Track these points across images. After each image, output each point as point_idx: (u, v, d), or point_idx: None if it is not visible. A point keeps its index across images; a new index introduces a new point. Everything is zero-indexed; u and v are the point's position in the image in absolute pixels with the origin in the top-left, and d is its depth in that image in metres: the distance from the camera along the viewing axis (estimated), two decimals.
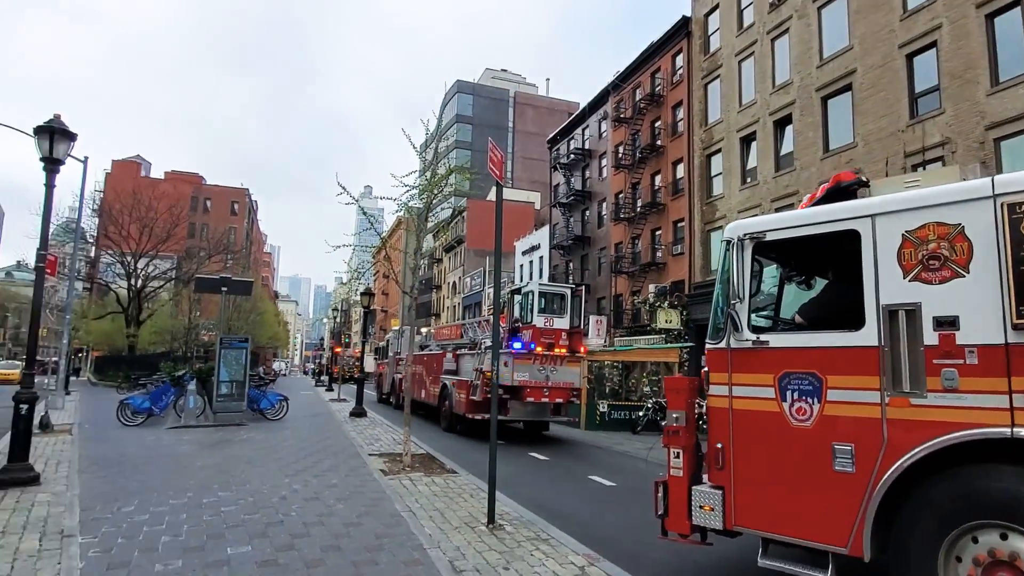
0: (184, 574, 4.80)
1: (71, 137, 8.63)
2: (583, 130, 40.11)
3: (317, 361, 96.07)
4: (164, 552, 5.26)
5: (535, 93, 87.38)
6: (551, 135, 47.26)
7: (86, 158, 20.89)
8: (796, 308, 5.17)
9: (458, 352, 16.98)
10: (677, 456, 4.97)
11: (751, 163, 25.16)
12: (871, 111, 19.67)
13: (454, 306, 67.84)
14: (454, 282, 68.36)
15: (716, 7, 27.60)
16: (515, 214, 62.73)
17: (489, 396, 13.40)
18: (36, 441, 12.13)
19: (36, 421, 15.41)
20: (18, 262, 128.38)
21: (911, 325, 3.94)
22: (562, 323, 14.11)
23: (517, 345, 13.58)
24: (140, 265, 44.21)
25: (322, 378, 51.06)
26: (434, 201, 10.90)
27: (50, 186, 8.54)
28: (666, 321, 26.82)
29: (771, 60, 24.20)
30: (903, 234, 4.05)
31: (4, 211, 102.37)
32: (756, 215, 24.15)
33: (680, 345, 22.10)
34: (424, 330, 25.32)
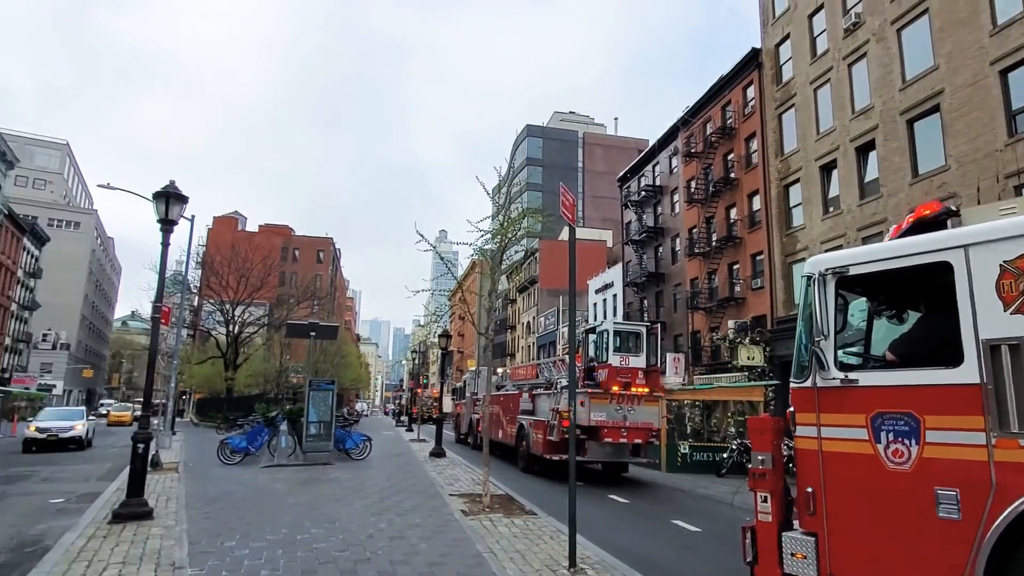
0: None
1: (183, 200, 9.62)
2: (653, 167, 39.99)
3: (397, 402, 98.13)
4: None
5: (603, 133, 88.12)
6: (621, 173, 47.37)
7: (192, 217, 22.98)
8: (887, 344, 4.95)
9: (534, 392, 17.02)
10: (765, 500, 4.81)
11: (833, 192, 24.20)
12: (963, 132, 18.58)
13: (528, 346, 67.93)
14: (528, 322, 68.64)
15: (787, 37, 27.21)
16: (587, 253, 62.77)
17: (567, 436, 13.35)
18: (147, 478, 13.13)
19: (173, 456, 16.72)
20: (132, 312, 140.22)
21: (1016, 361, 3.71)
22: (638, 361, 13.91)
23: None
24: (237, 312, 47.36)
25: (402, 418, 52.13)
26: (508, 244, 11.18)
27: (165, 244, 9.51)
28: (748, 358, 25.79)
29: (848, 86, 23.45)
30: (1001, 264, 3.86)
31: (122, 266, 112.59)
32: (841, 245, 23.13)
33: (764, 383, 21.14)
34: (500, 370, 25.54)
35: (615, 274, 45.41)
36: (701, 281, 32.45)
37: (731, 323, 28.54)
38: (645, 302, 39.81)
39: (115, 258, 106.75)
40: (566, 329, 50.79)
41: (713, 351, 30.41)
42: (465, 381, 27.50)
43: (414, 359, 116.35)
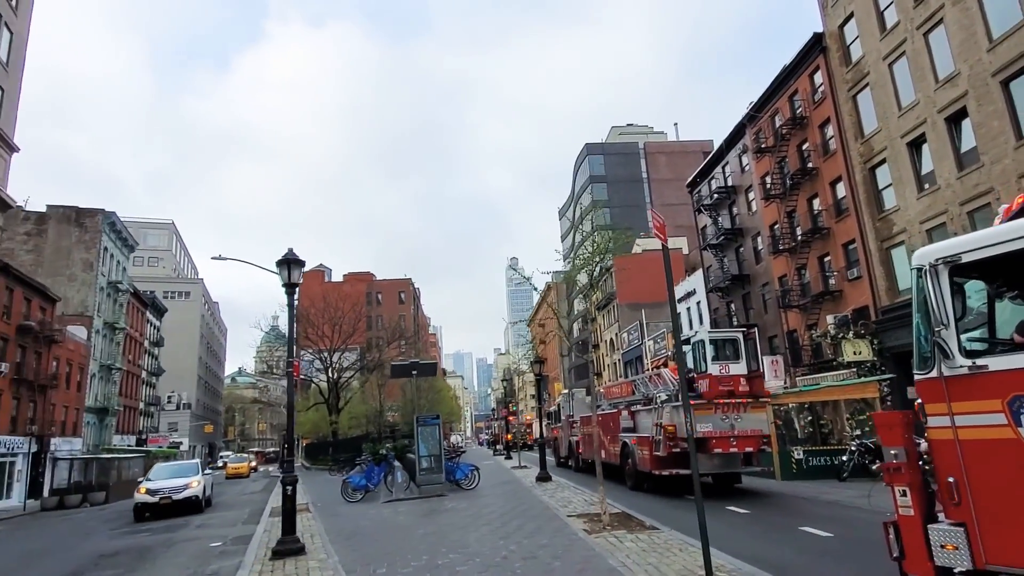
0: None
1: (301, 264, 10.65)
2: (723, 167, 39.18)
3: (490, 431, 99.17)
4: None
5: (664, 140, 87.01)
6: (689, 178, 46.64)
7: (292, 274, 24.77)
8: (1013, 326, 4.87)
9: (633, 409, 17.04)
10: (904, 494, 4.81)
11: (925, 167, 22.89)
12: None
13: (614, 363, 67.13)
14: (611, 339, 67.96)
15: (851, 16, 26.28)
16: (663, 264, 61.74)
17: (674, 451, 13.33)
18: (278, 520, 14.22)
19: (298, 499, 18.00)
20: (239, 368, 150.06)
21: None
22: (738, 368, 13.71)
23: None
24: (334, 359, 49.98)
25: (498, 447, 52.73)
26: (596, 266, 11.50)
27: (291, 305, 10.55)
28: (855, 353, 24.49)
29: (927, 55, 22.29)
30: None
31: (227, 327, 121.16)
32: (944, 223, 21.79)
33: (878, 378, 20.03)
34: (596, 390, 25.56)
35: (696, 281, 44.45)
36: (791, 278, 31.25)
37: (830, 318, 27.27)
38: (732, 306, 38.67)
39: (220, 320, 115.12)
40: (651, 342, 49.82)
41: (814, 350, 29.08)
42: (559, 405, 27.67)
43: (504, 386, 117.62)
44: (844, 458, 16.37)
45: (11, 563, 12.73)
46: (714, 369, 13.56)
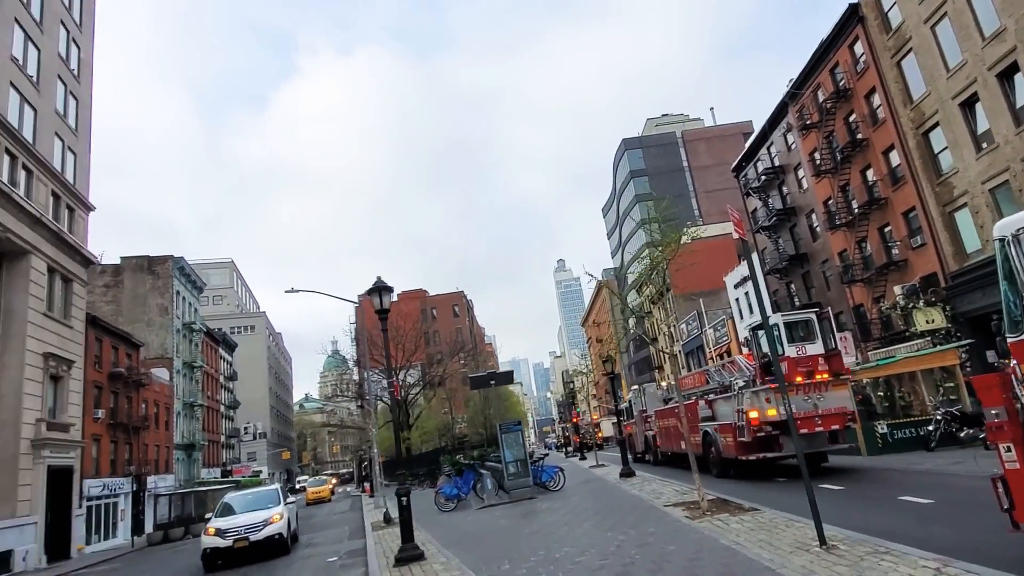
0: None
1: (390, 290, 11.55)
2: (768, 149, 38.76)
3: (558, 434, 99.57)
4: None
5: (702, 126, 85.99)
6: (734, 163, 46.19)
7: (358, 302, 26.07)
8: None
9: (710, 398, 17.32)
10: (1008, 450, 5.19)
11: (981, 127, 22.32)
12: None
13: (675, 355, 66.54)
14: (669, 331, 67.45)
15: None
16: (717, 250, 60.80)
17: (758, 435, 13.64)
18: (386, 531, 15.15)
19: (380, 516, 19.02)
20: (306, 395, 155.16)
21: None
22: (815, 348, 13.91)
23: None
24: (400, 376, 51.58)
25: (569, 449, 53.15)
26: (661, 263, 11.94)
27: (385, 330, 11.43)
28: (927, 322, 23.97)
29: (971, 14, 21.80)
30: None
31: (291, 356, 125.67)
32: (1007, 180, 21.20)
33: (955, 345, 19.67)
34: (664, 383, 25.81)
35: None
36: (851, 252, 30.71)
37: (897, 289, 26.73)
38: (792, 286, 38.11)
39: (285, 349, 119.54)
40: (711, 331, 49.40)
41: (883, 322, 28.49)
42: (630, 401, 27.98)
43: (569, 387, 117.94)
44: (930, 428, 16.24)
45: None
46: (790, 351, 13.80)
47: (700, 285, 59.36)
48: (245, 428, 79.56)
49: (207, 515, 34.56)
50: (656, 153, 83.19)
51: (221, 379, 65.91)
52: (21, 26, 27.70)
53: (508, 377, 18.83)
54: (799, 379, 13.56)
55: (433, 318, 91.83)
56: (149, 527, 38.48)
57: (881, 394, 20.73)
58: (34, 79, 28.64)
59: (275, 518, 14.60)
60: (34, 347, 26.56)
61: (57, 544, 26.93)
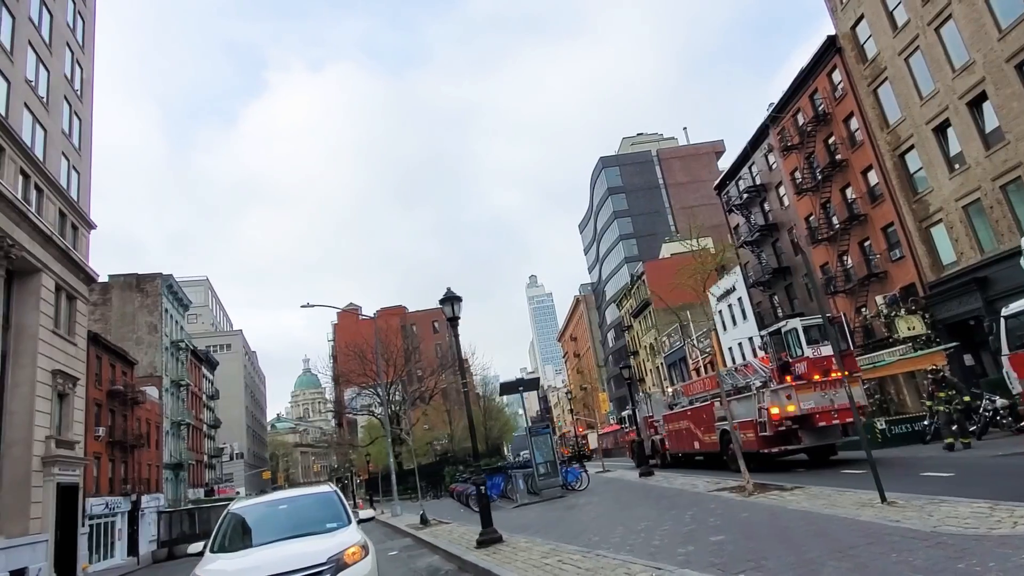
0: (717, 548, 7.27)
1: (459, 299, 12.61)
2: (750, 168, 41.03)
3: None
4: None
5: (676, 145, 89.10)
6: (716, 181, 48.49)
7: (376, 314, 26.83)
8: None
9: (725, 400, 18.69)
10: None
11: (953, 149, 24.60)
12: None
13: (656, 368, 68.37)
14: (650, 344, 69.31)
15: (861, 18, 28.25)
16: (696, 264, 63.38)
17: (780, 429, 15.03)
18: (435, 530, 15.97)
19: (417, 519, 19.77)
20: (278, 415, 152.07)
21: None
22: (828, 349, 15.41)
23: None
24: (391, 392, 51.98)
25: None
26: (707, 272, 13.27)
27: (456, 335, 12.47)
28: (908, 328, 26.00)
29: (941, 47, 24.14)
30: None
31: (268, 376, 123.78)
32: (979, 199, 23.40)
33: (944, 347, 21.59)
34: (669, 389, 27.19)
35: (734, 278, 45.99)
36: (833, 265, 32.85)
37: (879, 299, 28.81)
38: (775, 299, 40.18)
39: (259, 369, 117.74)
40: (695, 342, 50.52)
41: (865, 330, 30.54)
42: (634, 408, 29.22)
43: (542, 404, 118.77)
44: (925, 423, 17.90)
45: None
46: (809, 352, 15.29)
47: (679, 298, 61.66)
48: (221, 448, 78.32)
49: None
50: (633, 171, 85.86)
51: (204, 398, 65.10)
52: (34, 49, 28.06)
53: (535, 384, 19.87)
54: (817, 377, 15.04)
55: (414, 334, 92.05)
56: (143, 547, 38.09)
57: (872, 395, 22.47)
58: (44, 99, 28.96)
59: (351, 553, 6.35)
60: (44, 364, 26.57)
61: (63, 562, 26.75)
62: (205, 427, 64.15)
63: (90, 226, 34.17)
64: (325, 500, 7.95)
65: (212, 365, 69.04)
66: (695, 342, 48.42)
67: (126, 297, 49.16)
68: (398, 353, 53.36)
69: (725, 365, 51.08)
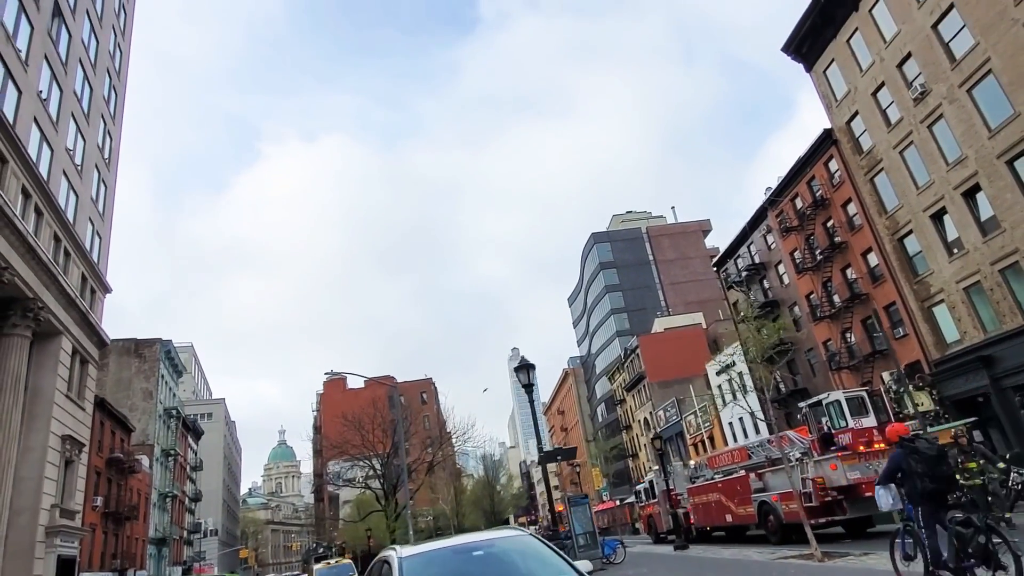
0: None
1: (533, 367, 13.19)
2: (748, 247, 42.93)
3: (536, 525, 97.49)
4: None
5: (664, 223, 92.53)
6: (705, 257, 50.42)
7: (395, 385, 26.98)
8: None
9: (760, 471, 19.08)
10: None
11: (951, 235, 26.30)
12: None
13: (650, 442, 67.96)
14: (644, 418, 69.21)
15: (856, 114, 30.76)
16: (687, 339, 64.59)
17: (826, 499, 15.44)
18: None
19: None
20: (250, 489, 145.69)
21: None
22: (869, 421, 16.10)
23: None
24: (382, 465, 50.78)
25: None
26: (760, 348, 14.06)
27: (532, 401, 12.95)
28: (917, 405, 26.86)
29: (935, 143, 26.28)
30: None
31: (242, 447, 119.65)
32: (977, 281, 24.92)
33: (963, 422, 22.34)
34: (692, 463, 27.36)
35: (733, 354, 46.97)
36: (836, 342, 34.03)
37: (885, 375, 29.80)
38: (777, 374, 41.06)
39: (237, 439, 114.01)
40: (692, 417, 51.23)
41: (875, 406, 31.28)
42: (651, 482, 29.20)
43: (525, 480, 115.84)
44: (956, 494, 18.34)
45: None
46: (852, 423, 15.94)
47: (675, 372, 62.39)
48: (197, 524, 74.57)
49: None
50: (623, 247, 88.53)
51: (188, 469, 62.73)
52: (75, 119, 29.20)
53: (572, 453, 20.01)
54: (861, 448, 15.62)
55: (406, 404, 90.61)
56: None
57: None
58: (79, 167, 29.85)
59: None
60: (56, 429, 26.01)
61: None
62: (187, 500, 61.47)
63: (106, 290, 34.26)
64: (530, 549, 5.25)
65: (198, 435, 67.02)
66: (697, 412, 48.75)
67: (123, 362, 48.36)
68: (390, 425, 52.60)
69: (724, 439, 51.35)
